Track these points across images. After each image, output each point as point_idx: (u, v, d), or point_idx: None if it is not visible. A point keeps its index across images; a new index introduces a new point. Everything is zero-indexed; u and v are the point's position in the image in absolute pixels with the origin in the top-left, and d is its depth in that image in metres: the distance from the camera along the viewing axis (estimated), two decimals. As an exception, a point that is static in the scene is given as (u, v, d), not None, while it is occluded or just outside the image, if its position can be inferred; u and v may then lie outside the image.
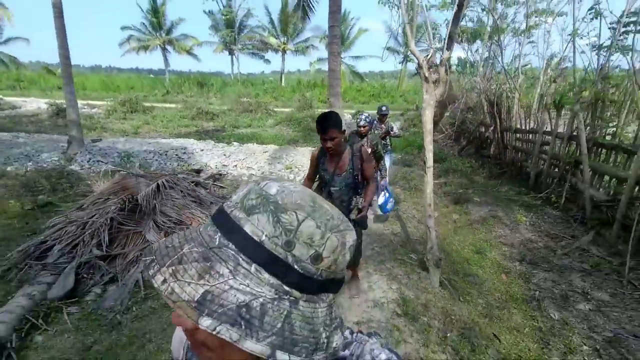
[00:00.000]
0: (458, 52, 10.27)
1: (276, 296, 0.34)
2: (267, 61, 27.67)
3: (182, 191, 3.87)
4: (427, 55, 3.09)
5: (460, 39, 10.12)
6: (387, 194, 3.65)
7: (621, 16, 3.84)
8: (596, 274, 2.94)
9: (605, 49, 4.00)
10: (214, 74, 38.06)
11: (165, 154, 6.85)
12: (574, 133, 4.13)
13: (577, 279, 2.89)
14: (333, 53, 5.15)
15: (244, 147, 7.73)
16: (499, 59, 6.78)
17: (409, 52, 22.53)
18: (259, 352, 0.30)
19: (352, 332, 0.47)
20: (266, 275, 0.34)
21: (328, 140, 1.92)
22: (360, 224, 2.11)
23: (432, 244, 2.74)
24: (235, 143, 8.12)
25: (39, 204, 4.14)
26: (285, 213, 0.35)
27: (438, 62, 3.25)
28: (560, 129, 4.70)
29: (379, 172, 3.79)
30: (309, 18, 7.59)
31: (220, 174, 5.78)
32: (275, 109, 17.05)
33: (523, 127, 6.02)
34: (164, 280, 0.31)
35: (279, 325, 0.32)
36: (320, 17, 22.46)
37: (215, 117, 14.81)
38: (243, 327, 0.31)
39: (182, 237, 0.36)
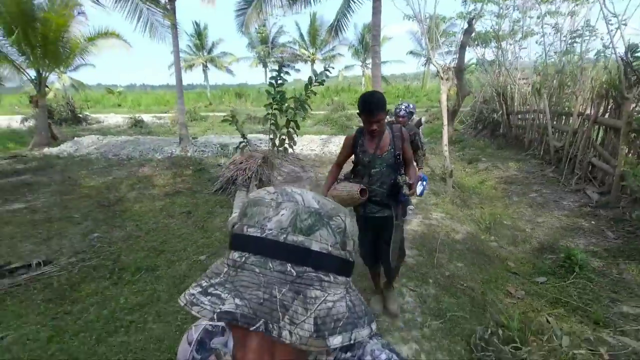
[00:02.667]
0: (476, 53, 11.99)
1: (346, 288, 0.38)
2: (298, 70, 30.63)
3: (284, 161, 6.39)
4: (443, 65, 5.45)
5: (475, 43, 12.20)
6: (424, 184, 3.46)
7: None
8: (547, 184, 5.09)
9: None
10: (247, 85, 41.72)
11: (250, 142, 9.50)
12: (545, 109, 6.24)
13: (535, 186, 5.06)
14: (375, 64, 7.54)
15: (304, 137, 10.28)
16: (502, 59, 8.89)
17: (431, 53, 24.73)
18: (367, 334, 0.35)
19: None
20: (340, 278, 0.38)
21: (374, 122, 1.81)
22: (408, 202, 1.88)
23: (448, 164, 5.01)
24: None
25: (197, 169, 6.80)
26: (332, 219, 0.39)
27: (451, 65, 5.59)
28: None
29: (416, 163, 3.57)
30: (340, 36, 9.95)
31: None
32: (311, 112, 19.71)
33: (521, 109, 8.10)
34: (290, 333, 0.31)
35: (362, 307, 0.38)
36: (349, 29, 25.10)
37: (262, 121, 17.63)
38: (358, 324, 0.35)
39: (254, 287, 0.34)
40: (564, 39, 6.01)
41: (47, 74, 10.39)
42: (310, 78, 3.46)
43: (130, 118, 17.53)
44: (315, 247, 0.36)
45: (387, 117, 3.39)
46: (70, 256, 3.30)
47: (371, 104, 1.77)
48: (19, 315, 2.45)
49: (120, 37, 11.41)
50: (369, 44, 27.62)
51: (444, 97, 5.41)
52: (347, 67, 29.78)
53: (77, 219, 4.30)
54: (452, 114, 9.69)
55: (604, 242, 3.33)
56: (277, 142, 3.50)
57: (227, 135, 11.63)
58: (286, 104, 3.40)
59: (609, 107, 4.42)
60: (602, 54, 4.84)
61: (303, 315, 0.33)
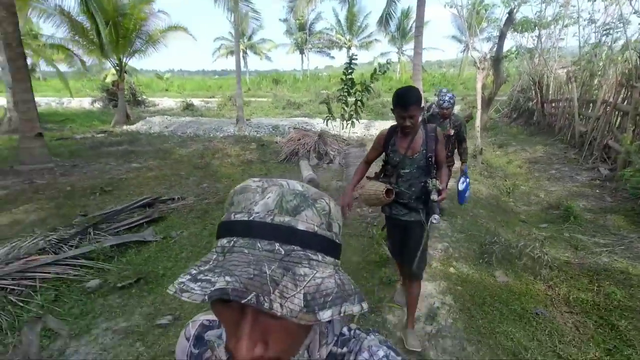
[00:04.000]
0: (515, 41, 12.13)
1: (335, 269, 0.40)
2: (332, 57, 31.45)
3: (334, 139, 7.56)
4: (480, 55, 6.29)
5: (515, 30, 12.47)
6: (466, 181, 3.24)
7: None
8: (567, 164, 5.88)
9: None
10: (278, 71, 43.06)
11: (294, 125, 10.76)
12: (568, 96, 6.88)
13: (556, 165, 5.87)
14: (417, 53, 8.39)
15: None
16: (540, 48, 9.35)
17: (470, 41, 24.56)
18: (358, 311, 0.36)
19: (350, 329, 0.49)
20: (328, 258, 0.39)
21: (407, 118, 1.72)
22: (434, 210, 1.83)
23: (478, 144, 5.93)
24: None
25: (260, 144, 8.17)
26: (317, 202, 0.40)
27: (490, 53, 6.41)
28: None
29: (459, 156, 3.38)
30: (390, 25, 10.79)
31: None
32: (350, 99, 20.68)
33: (555, 98, 8.64)
34: (281, 306, 0.32)
35: (352, 286, 0.39)
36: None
37: (301, 106, 18.86)
38: (347, 301, 0.36)
39: (244, 264, 0.34)
40: (598, 30, 6.57)
41: (127, 60, 12.21)
42: (375, 69, 4.43)
43: (183, 102, 19.49)
44: (301, 226, 0.38)
45: (428, 110, 3.17)
46: (194, 196, 4.73)
47: (405, 98, 1.70)
48: (182, 223, 3.87)
49: (187, 31, 12.99)
50: (406, 30, 27.67)
51: (479, 86, 6.28)
52: (382, 54, 30.04)
53: (184, 175, 5.77)
54: (488, 102, 10.32)
55: (601, 204, 4.22)
56: (346, 116, 4.48)
57: (275, 118, 12.99)
58: (355, 88, 4.34)
59: (627, 94, 5.12)
60: (628, 47, 5.46)
61: (293, 290, 0.34)
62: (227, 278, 0.33)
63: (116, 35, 11.12)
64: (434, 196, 1.78)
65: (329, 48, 30.72)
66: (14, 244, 2.99)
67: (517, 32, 12.07)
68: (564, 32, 8.50)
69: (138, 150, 7.73)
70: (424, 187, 1.87)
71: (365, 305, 0.36)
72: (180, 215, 4.11)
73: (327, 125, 6.52)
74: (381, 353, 0.44)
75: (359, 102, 4.21)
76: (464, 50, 27.22)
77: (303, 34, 28.61)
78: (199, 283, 0.33)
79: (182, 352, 0.53)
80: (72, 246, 3.09)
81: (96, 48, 11.47)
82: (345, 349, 0.46)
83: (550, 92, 8.91)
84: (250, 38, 31.18)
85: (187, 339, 0.53)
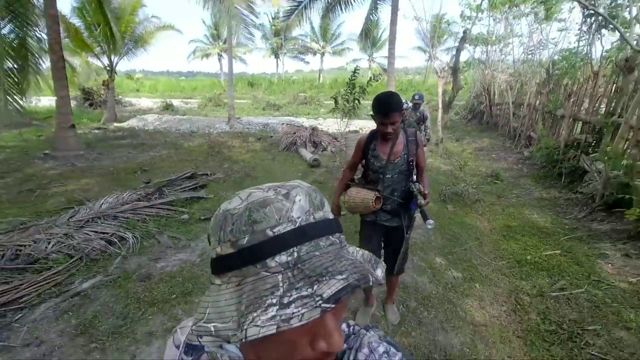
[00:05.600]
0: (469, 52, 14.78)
1: None
2: (307, 62, 33.24)
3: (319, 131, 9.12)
4: (440, 66, 8.20)
5: (470, 44, 14.91)
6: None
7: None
8: (503, 150, 7.89)
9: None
10: (256, 74, 44.09)
11: (283, 124, 12.19)
12: (507, 101, 9.02)
13: (495, 151, 7.86)
14: (390, 63, 10.25)
15: (327, 120, 13.00)
16: (488, 61, 11.63)
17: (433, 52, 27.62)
18: (381, 274, 0.41)
19: (349, 325, 0.50)
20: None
21: (389, 124, 1.73)
22: (425, 215, 1.80)
23: (440, 135, 7.76)
24: (321, 118, 13.45)
25: (258, 138, 9.51)
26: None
27: (447, 65, 8.34)
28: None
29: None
30: (369, 38, 12.66)
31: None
32: (325, 102, 22.38)
33: (500, 102, 10.89)
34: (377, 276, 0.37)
35: None
36: (356, 24, 27.67)
37: (280, 108, 20.26)
38: (378, 261, 0.43)
39: (333, 261, 0.36)
40: (525, 50, 8.77)
41: (117, 61, 12.96)
42: (370, 77, 5.91)
43: (162, 102, 20.12)
44: (329, 215, 0.41)
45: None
46: (221, 173, 6.02)
47: (387, 105, 1.71)
48: (222, 187, 5.18)
49: (175, 28, 13.95)
50: (376, 39, 30.16)
51: (440, 91, 8.17)
52: (354, 60, 32.33)
53: (202, 160, 7.01)
54: (448, 105, 12.48)
55: (520, 173, 6.15)
56: (347, 108, 5.88)
57: (262, 117, 14.29)
58: (354, 90, 5.68)
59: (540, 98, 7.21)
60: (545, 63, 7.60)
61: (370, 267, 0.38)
62: (338, 276, 0.33)
63: (110, 37, 11.91)
64: (420, 200, 1.79)
65: (303, 53, 32.50)
66: (116, 196, 4.19)
67: (472, 46, 14.48)
68: (507, 49, 10.77)
69: (147, 143, 8.75)
70: (406, 192, 1.90)
71: (383, 264, 0.44)
72: (217, 184, 5.43)
73: (333, 114, 7.93)
74: (381, 349, 0.46)
75: (356, 101, 5.70)
76: (428, 59, 30.20)
77: (279, 40, 30.08)
78: (293, 305, 0.32)
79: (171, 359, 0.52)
80: (156, 198, 4.34)
81: (87, 49, 12.18)
82: (345, 346, 0.46)
83: (495, 98, 11.15)
84: (225, 41, 32.11)
85: (177, 347, 0.52)
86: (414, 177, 1.99)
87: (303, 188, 0.41)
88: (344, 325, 0.50)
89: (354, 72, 5.72)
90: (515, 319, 2.51)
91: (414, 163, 1.93)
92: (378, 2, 12.15)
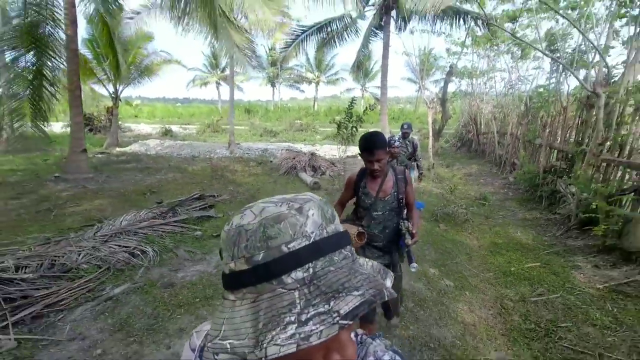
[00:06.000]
0: (455, 84, 16.11)
1: None
2: (302, 91, 34.68)
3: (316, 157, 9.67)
4: (429, 97, 8.95)
5: (457, 77, 16.06)
6: (421, 210, 3.61)
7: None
8: (490, 175, 8.47)
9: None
10: (252, 102, 45.53)
11: (282, 149, 12.74)
12: (492, 130, 9.75)
13: (483, 176, 8.43)
14: (383, 94, 11.06)
15: (324, 146, 13.63)
16: (474, 93, 12.57)
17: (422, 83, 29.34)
18: (390, 284, 0.43)
19: (356, 335, 0.50)
20: None
21: (375, 162, 1.81)
22: (411, 257, 1.83)
23: (431, 161, 8.33)
24: (317, 144, 14.08)
25: (258, 163, 9.98)
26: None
27: (436, 96, 9.09)
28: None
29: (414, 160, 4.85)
30: (361, 70, 13.69)
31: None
32: (320, 129, 23.24)
33: (486, 131, 11.67)
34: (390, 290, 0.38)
35: None
36: (349, 56, 29.34)
37: (277, 134, 20.97)
38: (387, 271, 0.46)
39: (348, 277, 0.37)
40: (506, 85, 9.65)
41: (122, 89, 13.59)
42: (366, 107, 6.49)
43: (162, 128, 20.70)
44: (341, 228, 0.42)
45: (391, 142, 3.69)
46: (227, 195, 6.40)
47: (371, 143, 1.78)
48: (230, 208, 5.54)
49: (180, 63, 14.80)
50: (368, 70, 31.87)
51: (430, 120, 8.85)
52: (347, 90, 33.89)
53: (207, 183, 7.39)
54: (438, 132, 13.28)
55: (505, 196, 6.67)
56: (345, 136, 6.41)
57: (261, 143, 14.88)
58: (352, 117, 6.24)
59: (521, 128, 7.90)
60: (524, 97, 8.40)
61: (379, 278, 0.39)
62: (355, 292, 0.34)
63: (117, 67, 12.59)
64: (408, 239, 1.80)
65: (299, 82, 33.98)
66: (134, 214, 4.52)
67: (458, 79, 15.56)
68: (491, 82, 11.73)
69: (152, 167, 9.13)
70: (397, 229, 1.94)
71: (389, 280, 0.44)
72: (224, 204, 5.79)
73: (334, 139, 8.40)
74: (387, 358, 0.46)
75: (353, 129, 6.26)
76: (418, 90, 31.90)
77: (275, 69, 31.50)
78: (311, 322, 0.32)
79: None
80: (170, 216, 4.68)
81: (93, 77, 12.82)
82: None
83: (482, 127, 11.95)
84: (223, 70, 33.46)
85: (193, 350, 0.53)
86: (404, 214, 2.03)
87: (315, 201, 0.41)
88: (352, 334, 0.50)
89: (352, 102, 6.33)
90: (500, 320, 2.88)
91: (404, 200, 1.98)
92: (370, 37, 13.24)
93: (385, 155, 1.85)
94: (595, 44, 4.64)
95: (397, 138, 4.20)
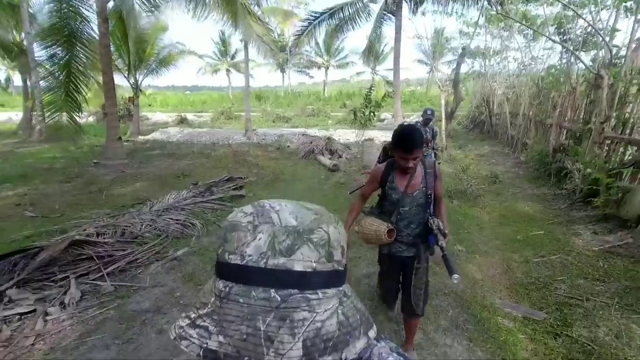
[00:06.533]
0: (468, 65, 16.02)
1: (339, 299, 0.39)
2: (311, 77, 34.74)
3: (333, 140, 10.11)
4: (442, 80, 9.22)
5: (470, 57, 16.04)
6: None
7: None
8: (502, 155, 8.79)
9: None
10: (261, 88, 45.76)
11: (297, 134, 13.20)
12: (505, 111, 9.96)
13: (495, 157, 8.76)
14: (396, 78, 11.33)
15: (337, 131, 14.03)
16: (487, 73, 12.65)
17: (434, 65, 29.00)
18: (362, 345, 0.37)
19: None
20: (329, 291, 0.39)
21: (411, 160, 1.73)
22: (452, 268, 1.65)
23: (444, 143, 8.69)
24: (331, 128, 14.49)
25: (277, 148, 10.48)
26: (314, 233, 0.39)
27: (448, 78, 9.35)
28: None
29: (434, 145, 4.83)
30: (372, 55, 13.90)
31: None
32: (332, 113, 23.52)
33: (498, 112, 11.85)
34: None
35: (357, 317, 0.39)
36: (358, 39, 29.00)
37: (290, 120, 21.37)
38: (351, 339, 0.37)
39: (238, 320, 0.35)
40: (519, 66, 9.79)
41: (142, 80, 14.17)
42: (385, 93, 6.87)
43: (178, 116, 21.35)
44: (297, 267, 0.37)
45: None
46: (253, 177, 6.95)
47: (411, 142, 1.69)
48: (257, 188, 6.10)
49: (196, 54, 15.25)
50: (378, 53, 31.64)
51: (443, 102, 9.14)
52: (358, 74, 33.75)
53: (232, 167, 7.96)
54: (450, 115, 13.47)
55: (516, 175, 7.05)
56: (364, 119, 6.77)
57: (276, 129, 15.35)
58: (370, 103, 6.59)
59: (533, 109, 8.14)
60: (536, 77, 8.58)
61: (290, 342, 0.34)
62: (221, 338, 0.34)
63: (138, 59, 13.14)
64: (441, 240, 1.72)
65: (309, 68, 34.00)
66: (177, 194, 5.12)
67: (470, 59, 15.55)
68: (505, 62, 11.81)
69: (177, 153, 9.75)
70: (423, 224, 1.90)
71: (372, 333, 0.38)
72: (252, 185, 6.36)
73: (350, 125, 8.85)
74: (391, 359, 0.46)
75: (371, 114, 6.64)
76: (430, 71, 31.52)
77: (284, 55, 31.56)
78: (197, 330, 0.35)
79: None
80: (208, 195, 5.27)
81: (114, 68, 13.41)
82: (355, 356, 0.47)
83: (494, 108, 12.12)
84: (233, 57, 33.74)
85: None
86: (431, 209, 1.97)
87: (274, 227, 0.39)
88: None
89: (370, 88, 6.73)
90: (505, 277, 3.37)
91: (432, 196, 1.92)
92: (382, 20, 13.35)
93: (421, 154, 1.78)
94: (603, 25, 4.88)
95: (430, 110, 4.44)
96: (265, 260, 0.37)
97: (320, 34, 12.96)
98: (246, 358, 0.32)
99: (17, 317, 2.48)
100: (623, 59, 4.30)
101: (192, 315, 0.37)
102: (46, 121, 10.82)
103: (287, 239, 0.38)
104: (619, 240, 3.59)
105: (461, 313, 2.73)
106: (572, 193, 5.08)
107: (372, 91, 6.56)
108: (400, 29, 11.32)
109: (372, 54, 13.27)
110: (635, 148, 4.04)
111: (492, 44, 12.43)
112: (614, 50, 4.51)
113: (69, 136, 9.01)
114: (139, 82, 14.08)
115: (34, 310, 2.54)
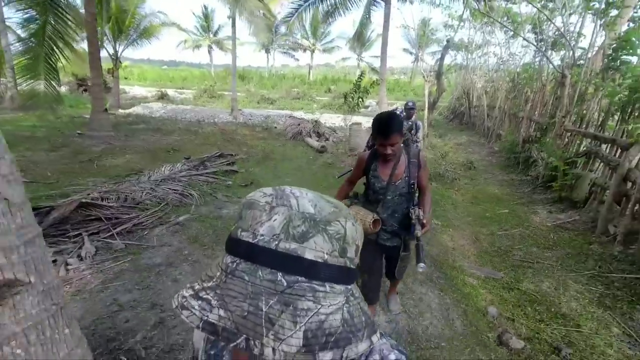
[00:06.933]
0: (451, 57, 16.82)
1: (346, 297, 0.38)
2: (297, 59, 34.37)
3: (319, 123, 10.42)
4: (428, 70, 9.66)
5: (453, 50, 16.62)
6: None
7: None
8: (478, 145, 9.46)
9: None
10: (247, 67, 44.77)
11: (283, 116, 13.37)
12: (483, 104, 10.62)
13: (471, 146, 9.41)
14: (383, 66, 11.67)
15: (323, 115, 14.30)
16: (468, 66, 13.27)
17: (419, 54, 29.54)
18: (364, 349, 0.35)
19: None
20: (337, 287, 0.38)
21: (388, 146, 1.73)
22: (419, 256, 1.71)
23: (425, 131, 9.22)
24: (317, 112, 14.74)
25: (264, 128, 10.66)
26: (330, 225, 0.39)
27: (431, 68, 9.82)
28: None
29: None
30: (360, 42, 14.11)
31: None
32: (317, 98, 23.64)
33: (477, 104, 12.53)
34: (274, 350, 0.31)
35: (363, 319, 0.38)
36: (345, 23, 28.92)
37: (274, 102, 21.34)
38: (354, 338, 0.35)
39: (240, 297, 0.35)
40: (498, 61, 10.39)
41: (122, 51, 13.72)
42: (373, 81, 7.18)
43: (157, 91, 20.78)
44: (308, 255, 0.37)
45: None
46: (243, 154, 7.19)
47: (387, 126, 1.70)
48: (248, 165, 6.37)
49: (179, 26, 14.83)
50: (364, 38, 31.78)
51: (426, 93, 9.62)
52: (343, 59, 33.77)
53: (221, 144, 8.13)
54: (432, 105, 14.04)
55: (490, 163, 7.70)
56: (352, 104, 7.08)
57: (261, 110, 15.41)
58: (360, 89, 6.92)
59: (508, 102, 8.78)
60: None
61: (290, 329, 0.33)
62: (221, 312, 0.33)
63: (117, 28, 12.69)
64: (418, 230, 1.74)
65: (294, 50, 33.58)
66: (169, 167, 5.31)
67: (454, 52, 16.09)
68: (485, 57, 12.43)
69: (162, 129, 9.73)
70: (407, 213, 1.89)
71: (375, 338, 0.37)
72: (243, 162, 6.61)
73: (339, 109, 9.17)
74: (392, 357, 0.46)
75: (360, 99, 6.99)
76: (414, 61, 32.05)
77: (270, 35, 31.01)
78: (199, 302, 0.35)
79: (200, 338, 0.56)
80: (202, 169, 5.50)
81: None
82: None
83: (474, 100, 12.79)
84: (215, 34, 32.72)
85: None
86: (416, 198, 1.97)
87: (291, 210, 0.39)
88: None
89: (361, 75, 7.06)
90: (474, 246, 3.90)
91: (415, 185, 1.90)
92: (371, 7, 13.54)
93: (400, 139, 1.75)
94: (573, 28, 5.43)
95: (412, 102, 4.50)
96: (277, 243, 0.37)
97: (308, 17, 12.97)
98: (244, 335, 0.32)
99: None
100: (587, 60, 4.86)
101: (196, 287, 0.37)
102: (18, 88, 10.45)
103: (302, 225, 0.38)
104: (569, 218, 4.21)
105: (435, 271, 3.22)
106: (535, 179, 5.73)
107: (361, 78, 6.88)
108: (389, 17, 11.58)
109: (360, 40, 13.43)
110: (588, 140, 4.65)
111: (475, 37, 13.05)
112: (579, 53, 5.08)
113: (48, 105, 8.80)
114: (118, 54, 13.62)
115: (55, 261, 2.78)
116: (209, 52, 33.33)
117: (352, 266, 0.41)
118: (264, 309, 0.34)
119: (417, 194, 1.99)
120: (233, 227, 0.41)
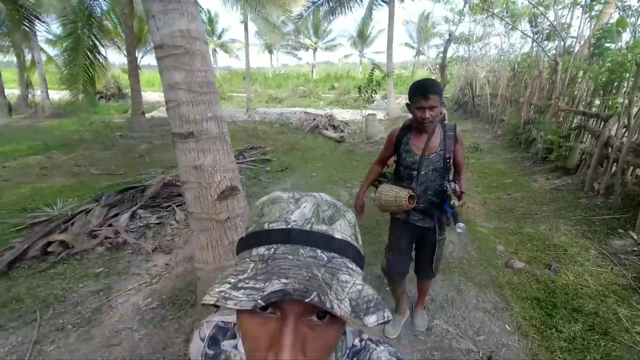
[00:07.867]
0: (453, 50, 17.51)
1: (362, 280, 0.41)
2: (299, 58, 35.27)
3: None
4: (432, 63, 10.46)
5: (455, 43, 17.39)
6: None
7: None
8: (483, 132, 10.26)
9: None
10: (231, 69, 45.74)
11: (296, 113, 14.23)
12: (485, 92, 11.39)
13: (477, 132, 10.22)
14: (389, 60, 12.49)
15: (334, 110, 15.16)
16: (470, 57, 14.02)
17: (420, 48, 30.27)
18: (386, 317, 0.37)
19: (361, 340, 0.52)
20: (357, 268, 0.42)
21: (427, 109, 1.63)
22: (457, 218, 1.71)
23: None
24: (326, 108, 15.58)
25: (282, 124, 11.53)
26: (347, 213, 0.44)
27: (434, 61, 10.59)
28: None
29: None
30: (362, 39, 14.87)
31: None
32: (322, 95, 24.50)
33: (480, 94, 13.31)
34: (339, 307, 0.33)
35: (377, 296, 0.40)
36: (346, 22, 29.64)
37: (282, 101, 22.23)
38: (386, 307, 0.37)
39: (295, 268, 0.36)
40: (499, 52, 11.17)
41: (141, 58, 14.66)
42: (385, 74, 7.97)
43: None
44: (337, 235, 0.41)
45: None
46: (271, 147, 8.05)
47: (425, 87, 1.62)
48: (278, 154, 7.24)
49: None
50: (366, 36, 32.57)
51: (431, 83, 10.43)
52: (345, 56, 34.56)
53: (247, 139, 9.00)
54: (437, 96, 14.81)
55: (494, 145, 8.51)
56: (366, 98, 7.88)
57: (276, 108, 16.27)
58: (372, 83, 7.73)
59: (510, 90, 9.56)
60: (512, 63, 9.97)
61: (342, 294, 0.36)
62: (284, 280, 0.34)
63: (138, 36, 13.62)
64: (454, 201, 1.67)
65: (297, 49, 34.45)
66: (217, 156, 6.20)
67: (455, 45, 16.86)
68: (487, 48, 13.18)
69: (189, 128, 10.61)
70: (440, 191, 1.80)
71: (388, 313, 0.37)
72: (273, 153, 7.48)
73: (361, 100, 9.98)
74: None
75: (373, 92, 7.79)
76: (416, 55, 32.77)
77: (278, 36, 31.92)
78: (243, 291, 0.34)
79: (197, 352, 0.57)
80: (242, 158, 6.38)
81: (114, 47, 13.88)
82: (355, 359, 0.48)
83: (476, 90, 13.55)
84: (220, 37, 33.70)
85: (202, 340, 0.57)
86: (451, 176, 1.85)
87: (317, 198, 0.43)
88: (356, 340, 0.51)
89: (372, 70, 7.90)
90: (483, 208, 4.74)
91: (451, 160, 1.80)
92: (373, 6, 14.38)
93: (439, 105, 1.67)
94: (565, 20, 6.23)
95: None
96: (310, 225, 0.40)
97: (311, 17, 13.84)
98: (315, 292, 0.32)
99: (145, 227, 3.62)
100: (577, 49, 5.65)
101: (232, 280, 0.37)
102: (52, 98, 11.36)
103: (329, 210, 0.43)
104: (563, 182, 5.03)
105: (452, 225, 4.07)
106: (535, 155, 6.54)
107: (373, 72, 7.69)
108: (393, 15, 12.41)
109: (362, 38, 14.26)
110: (579, 117, 5.46)
111: (476, 30, 13.82)
112: (569, 42, 5.88)
113: (85, 110, 9.72)
114: (137, 60, 14.55)
115: (160, 223, 3.67)
116: (213, 55, 34.26)
117: (362, 253, 0.45)
118: (319, 275, 0.36)
119: (451, 172, 1.87)
120: (252, 226, 0.43)
